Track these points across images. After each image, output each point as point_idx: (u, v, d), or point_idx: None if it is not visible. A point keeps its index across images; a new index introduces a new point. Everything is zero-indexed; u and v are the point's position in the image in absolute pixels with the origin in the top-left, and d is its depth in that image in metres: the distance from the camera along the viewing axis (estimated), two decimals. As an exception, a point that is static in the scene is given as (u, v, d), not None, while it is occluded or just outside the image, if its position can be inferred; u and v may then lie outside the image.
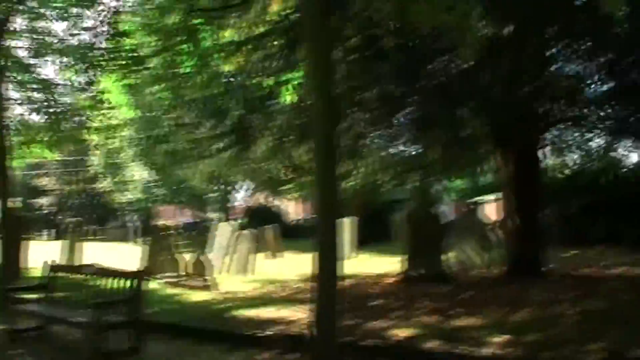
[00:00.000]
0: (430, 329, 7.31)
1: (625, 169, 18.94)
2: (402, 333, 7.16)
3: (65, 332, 8.08)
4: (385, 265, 16.01)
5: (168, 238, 13.69)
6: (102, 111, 10.86)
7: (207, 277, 11.85)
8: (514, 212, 11.67)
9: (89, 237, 27.24)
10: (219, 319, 8.59)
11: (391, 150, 16.06)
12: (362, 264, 17.35)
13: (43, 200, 52.11)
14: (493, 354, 6.14)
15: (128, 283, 7.17)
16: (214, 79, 10.51)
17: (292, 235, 32.37)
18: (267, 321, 8.34)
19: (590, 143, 14.16)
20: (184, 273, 12.29)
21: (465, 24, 5.66)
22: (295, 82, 8.26)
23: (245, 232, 15.39)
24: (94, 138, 12.24)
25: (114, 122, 13.43)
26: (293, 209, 50.53)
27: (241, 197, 44.28)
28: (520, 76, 9.96)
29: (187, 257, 12.88)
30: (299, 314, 8.66)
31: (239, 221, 31.76)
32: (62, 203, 52.24)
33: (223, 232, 15.69)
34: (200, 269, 12.12)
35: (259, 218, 32.30)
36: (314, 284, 6.08)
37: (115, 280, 7.37)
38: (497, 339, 6.64)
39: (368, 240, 23.12)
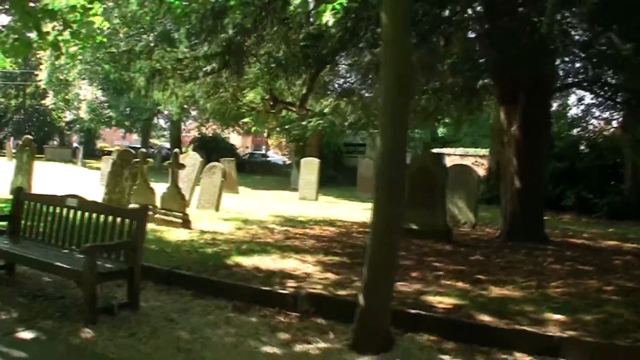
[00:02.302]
0: (469, 298, 6.16)
1: (601, 139, 18.38)
2: (442, 301, 6.01)
3: (32, 273, 6.47)
4: (358, 211, 14.97)
5: (136, 164, 11.86)
6: (80, 17, 8.91)
7: (185, 213, 10.37)
8: (515, 173, 10.64)
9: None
10: (218, 268, 7.17)
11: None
12: (334, 208, 16.21)
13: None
14: (568, 336, 5.05)
15: (127, 223, 5.60)
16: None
17: (241, 170, 30.92)
18: (273, 273, 6.98)
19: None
20: (157, 205, 10.70)
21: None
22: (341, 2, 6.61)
23: (217, 163, 13.89)
24: (68, 46, 10.16)
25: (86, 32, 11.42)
26: (240, 142, 48.84)
27: (190, 125, 42.15)
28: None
29: (159, 188, 11.30)
30: (304, 267, 7.48)
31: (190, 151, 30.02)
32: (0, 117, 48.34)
33: (192, 161, 14.10)
34: (174, 202, 10.60)
35: (208, 149, 30.63)
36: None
37: (110, 218, 5.80)
38: (552, 316, 5.59)
39: (324, 182, 21.86)
